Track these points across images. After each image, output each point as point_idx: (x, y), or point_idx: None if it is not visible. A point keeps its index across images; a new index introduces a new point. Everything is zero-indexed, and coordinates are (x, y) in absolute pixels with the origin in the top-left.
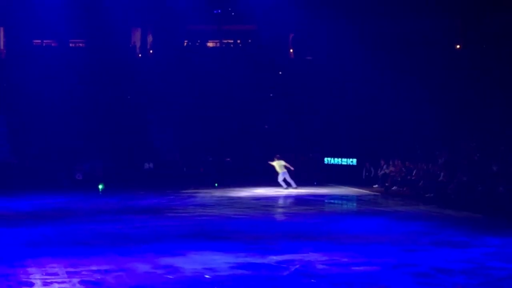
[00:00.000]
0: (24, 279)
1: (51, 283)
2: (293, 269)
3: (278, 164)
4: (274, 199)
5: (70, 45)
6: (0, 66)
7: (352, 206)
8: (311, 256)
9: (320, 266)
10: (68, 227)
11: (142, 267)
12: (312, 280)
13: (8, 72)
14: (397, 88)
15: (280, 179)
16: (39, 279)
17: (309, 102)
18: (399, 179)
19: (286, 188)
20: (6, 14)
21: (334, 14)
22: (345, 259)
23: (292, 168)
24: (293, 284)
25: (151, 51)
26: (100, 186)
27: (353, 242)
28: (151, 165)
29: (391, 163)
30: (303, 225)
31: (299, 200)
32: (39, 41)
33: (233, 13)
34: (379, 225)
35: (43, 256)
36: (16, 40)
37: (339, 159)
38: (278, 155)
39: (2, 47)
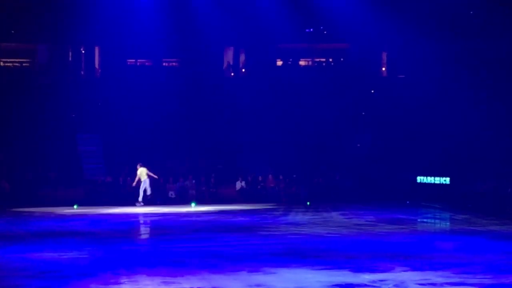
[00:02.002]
0: None
1: None
2: None
3: (142, 172)
4: (365, 217)
5: (164, 64)
6: (95, 85)
7: (445, 225)
8: (404, 276)
9: (413, 286)
10: (161, 245)
11: (235, 285)
12: None
13: (103, 91)
14: (491, 107)
15: (142, 187)
16: None
17: (402, 121)
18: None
19: (140, 203)
20: (101, 34)
21: (427, 32)
22: (439, 279)
23: (156, 177)
24: None
25: (243, 70)
26: (193, 204)
27: (446, 262)
28: (244, 183)
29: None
30: (396, 244)
31: (391, 219)
32: (133, 60)
33: (325, 32)
34: (473, 244)
35: (137, 274)
36: (111, 59)
37: (432, 178)
38: (140, 163)
39: (97, 67)
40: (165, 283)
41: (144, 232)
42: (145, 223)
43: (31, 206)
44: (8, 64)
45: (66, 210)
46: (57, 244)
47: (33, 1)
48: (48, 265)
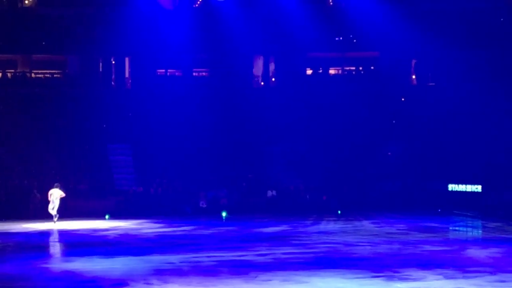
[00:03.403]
0: None
1: None
2: None
3: (56, 193)
4: (397, 226)
5: (194, 74)
6: (125, 96)
7: (477, 233)
8: (437, 284)
9: None
10: (192, 254)
11: None
12: None
13: (133, 102)
14: None
15: (51, 207)
16: None
17: (432, 128)
18: None
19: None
20: (132, 45)
21: (456, 39)
22: (472, 287)
23: (64, 195)
24: None
25: (273, 79)
26: (224, 214)
27: (479, 270)
28: (274, 192)
29: None
30: (427, 252)
31: (423, 227)
32: (163, 70)
33: (355, 40)
34: (506, 252)
35: (169, 283)
36: (141, 70)
37: (464, 185)
38: (57, 183)
39: (127, 77)
40: None
41: (175, 242)
42: (175, 233)
43: (62, 217)
44: (40, 75)
45: (98, 221)
46: (90, 254)
47: (63, 13)
48: (80, 276)
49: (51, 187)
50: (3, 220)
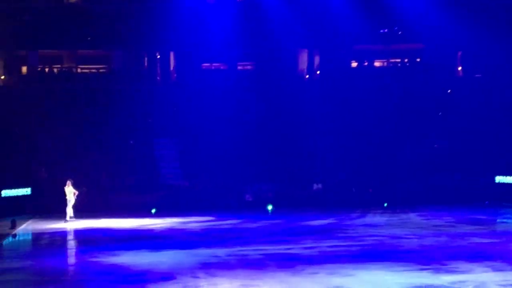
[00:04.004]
0: None
1: None
2: None
3: (67, 190)
4: (444, 218)
5: (238, 68)
6: (171, 90)
7: None
8: (485, 277)
9: (494, 287)
10: (239, 248)
11: None
12: None
13: (178, 96)
14: None
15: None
16: None
17: (479, 120)
18: None
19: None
20: (176, 39)
21: (503, 30)
22: None
23: (76, 193)
24: None
25: (318, 72)
26: (269, 207)
27: None
28: (320, 185)
29: None
30: (475, 245)
31: (470, 220)
32: (208, 64)
33: (400, 32)
34: None
35: (216, 277)
36: (186, 64)
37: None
38: (70, 180)
39: (172, 71)
40: (243, 286)
41: (221, 236)
42: (221, 227)
43: (108, 212)
44: (85, 71)
45: (142, 219)
46: (137, 248)
47: (108, 8)
48: (127, 269)
49: (96, 182)
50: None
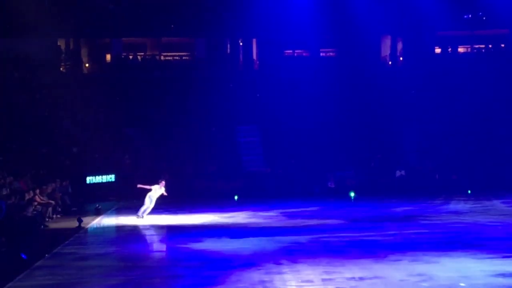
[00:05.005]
0: (280, 286)
1: None
2: None
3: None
4: None
5: (321, 54)
6: (253, 77)
7: None
8: None
9: None
10: (321, 234)
11: (397, 275)
12: None
13: (261, 83)
14: None
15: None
16: (295, 286)
17: None
18: None
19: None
20: (259, 26)
21: None
22: None
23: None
24: None
25: (401, 59)
26: (352, 194)
27: None
28: (403, 172)
29: None
30: None
31: None
32: (291, 51)
33: (484, 18)
34: None
35: (299, 263)
36: (268, 51)
37: None
38: (162, 180)
39: (255, 58)
40: (326, 272)
41: (304, 223)
42: (304, 214)
43: (194, 198)
44: (169, 58)
45: (226, 204)
46: (219, 236)
47: None
48: (210, 256)
49: (179, 169)
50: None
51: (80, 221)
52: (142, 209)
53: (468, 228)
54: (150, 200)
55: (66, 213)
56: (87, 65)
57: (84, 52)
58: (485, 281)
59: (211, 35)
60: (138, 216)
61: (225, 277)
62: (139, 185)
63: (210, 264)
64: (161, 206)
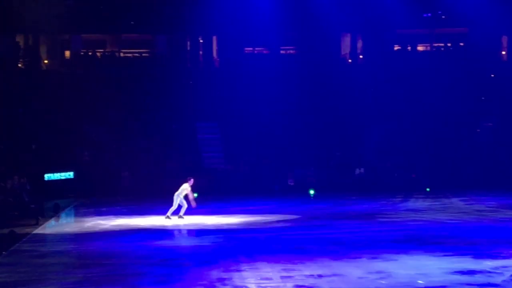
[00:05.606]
0: (239, 284)
1: (265, 287)
2: (508, 275)
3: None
4: (486, 203)
5: (281, 52)
6: (213, 74)
7: None
8: None
9: None
10: (280, 232)
11: (355, 272)
12: None
13: (221, 80)
14: None
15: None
16: (254, 283)
17: None
18: None
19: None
20: (219, 23)
21: None
22: None
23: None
24: None
25: (361, 57)
26: (311, 192)
27: None
28: (362, 170)
29: None
30: None
31: None
32: (251, 48)
33: (443, 16)
34: None
35: (258, 261)
36: (229, 48)
37: None
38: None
39: (215, 56)
40: (285, 270)
41: (263, 220)
42: (263, 210)
43: (153, 196)
44: (128, 55)
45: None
46: (179, 233)
47: None
48: (169, 253)
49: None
50: (92, 199)
51: (38, 218)
52: (180, 209)
53: (427, 226)
54: (179, 199)
55: (25, 210)
56: (46, 61)
57: (43, 49)
58: (443, 278)
59: (171, 32)
60: (180, 216)
61: (184, 275)
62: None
63: (169, 262)
64: (123, 204)
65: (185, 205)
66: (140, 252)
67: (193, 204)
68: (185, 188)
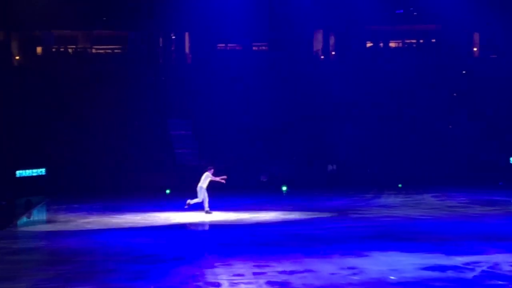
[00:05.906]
0: (211, 280)
1: (238, 283)
2: (479, 270)
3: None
4: (458, 199)
5: (254, 48)
6: (186, 71)
7: None
8: (498, 258)
9: (507, 268)
10: (253, 228)
11: (328, 268)
12: (500, 282)
13: (193, 76)
14: None
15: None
16: (226, 279)
17: (494, 101)
18: None
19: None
20: (191, 20)
21: None
22: None
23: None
24: (479, 286)
25: (333, 53)
26: (284, 188)
27: None
28: (335, 166)
29: None
30: (489, 226)
31: (484, 201)
32: (223, 45)
33: (415, 13)
34: None
35: (232, 257)
36: (201, 45)
37: None
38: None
39: (187, 52)
40: (257, 266)
41: (236, 216)
42: (236, 206)
43: (125, 193)
44: (100, 51)
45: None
46: (151, 230)
47: None
48: (141, 250)
49: (112, 163)
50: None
51: (10, 214)
52: (205, 203)
53: (399, 222)
54: (202, 191)
55: None
56: (17, 57)
57: (14, 45)
58: (415, 274)
59: (143, 28)
60: (207, 212)
61: (156, 272)
62: (214, 178)
63: (141, 259)
64: (95, 200)
65: (207, 198)
66: (112, 249)
67: (222, 179)
68: (208, 175)
